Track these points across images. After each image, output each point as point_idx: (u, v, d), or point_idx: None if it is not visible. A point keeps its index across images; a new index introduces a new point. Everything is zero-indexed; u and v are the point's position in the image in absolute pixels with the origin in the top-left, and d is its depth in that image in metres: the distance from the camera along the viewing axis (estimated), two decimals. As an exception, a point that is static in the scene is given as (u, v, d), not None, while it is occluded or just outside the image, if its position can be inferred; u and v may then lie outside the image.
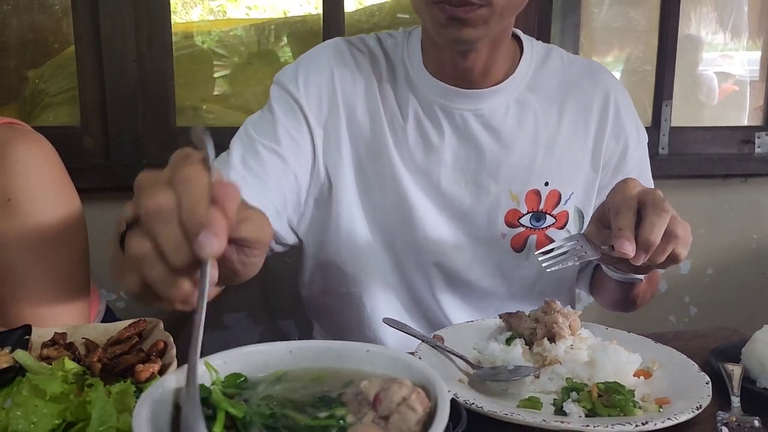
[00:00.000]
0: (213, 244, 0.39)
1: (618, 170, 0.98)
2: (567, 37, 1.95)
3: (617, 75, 2.14)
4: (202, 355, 0.41)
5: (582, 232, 0.80)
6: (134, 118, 1.36)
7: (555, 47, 1.02)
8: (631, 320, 1.61)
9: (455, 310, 0.98)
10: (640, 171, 1.00)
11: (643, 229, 0.67)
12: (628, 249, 0.66)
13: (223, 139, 1.39)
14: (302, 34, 1.65)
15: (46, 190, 0.87)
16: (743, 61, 2.80)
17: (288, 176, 0.92)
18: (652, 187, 1.00)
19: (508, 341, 0.73)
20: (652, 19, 1.78)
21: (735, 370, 0.69)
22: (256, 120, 0.95)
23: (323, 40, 1.47)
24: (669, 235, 0.67)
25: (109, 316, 0.99)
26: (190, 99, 1.49)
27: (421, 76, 0.94)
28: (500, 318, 0.78)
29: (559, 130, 0.96)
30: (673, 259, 0.71)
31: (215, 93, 1.54)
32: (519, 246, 0.97)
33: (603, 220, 0.74)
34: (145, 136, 1.39)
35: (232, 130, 1.47)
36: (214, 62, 1.56)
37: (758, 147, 1.80)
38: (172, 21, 1.43)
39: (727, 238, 1.73)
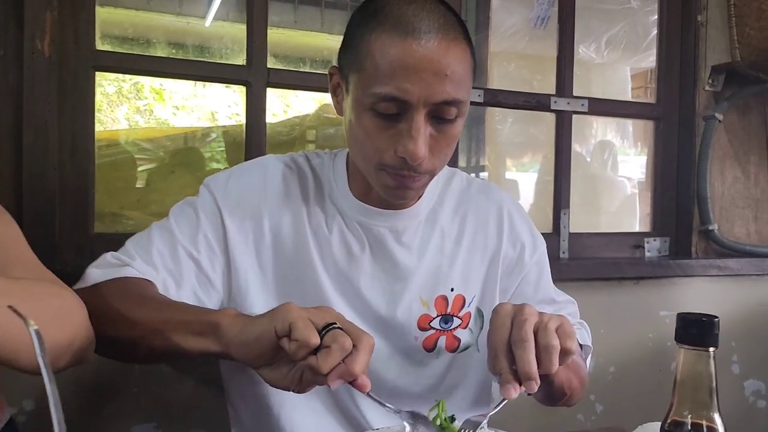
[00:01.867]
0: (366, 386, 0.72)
1: (517, 273, 1.11)
2: (474, 151, 2.13)
3: (521, 185, 2.33)
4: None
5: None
6: (51, 225, 1.36)
7: (457, 171, 1.17)
8: (543, 419, 1.68)
9: (370, 408, 1.03)
10: (540, 272, 1.13)
11: (519, 366, 0.76)
12: (512, 393, 0.76)
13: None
14: (226, 144, 1.73)
15: None
16: (636, 166, 3.08)
17: (202, 281, 0.99)
18: (549, 286, 1.14)
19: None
20: (549, 135, 1.96)
21: (612, 469, 0.76)
22: (180, 215, 1.02)
23: (246, 151, 1.58)
24: (546, 349, 0.76)
25: (10, 428, 0.96)
26: (110, 205, 1.51)
27: (345, 196, 1.05)
28: None
29: (461, 242, 1.09)
30: (565, 356, 0.79)
31: (136, 199, 1.57)
32: (430, 347, 1.06)
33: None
34: (60, 243, 1.39)
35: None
36: (137, 169, 1.60)
37: (648, 251, 1.98)
38: (96, 129, 1.47)
39: (626, 337, 1.86)
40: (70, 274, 1.34)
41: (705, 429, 0.61)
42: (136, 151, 1.61)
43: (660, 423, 0.64)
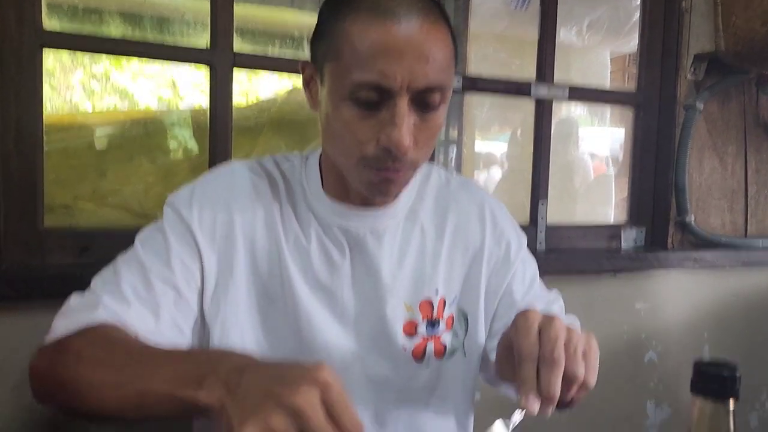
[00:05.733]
0: None
1: (505, 271, 1.06)
2: (450, 134, 2.06)
3: (496, 171, 2.28)
4: None
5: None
6: (-6, 220, 1.25)
7: (434, 166, 1.11)
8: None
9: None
10: (525, 268, 1.09)
11: (542, 385, 0.70)
12: (534, 407, 0.70)
13: (93, 240, 1.32)
14: (189, 129, 1.61)
15: None
16: (610, 140, 3.03)
17: (181, 306, 0.91)
18: (536, 281, 1.09)
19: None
20: (527, 122, 1.90)
21: None
22: (148, 243, 0.93)
23: (210, 138, 1.47)
24: (570, 380, 0.71)
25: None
26: (62, 197, 1.40)
27: (320, 199, 0.97)
28: None
29: (442, 240, 1.03)
30: (584, 388, 0.74)
31: (91, 189, 1.46)
32: (419, 356, 1.00)
33: (510, 348, 0.76)
34: (6, 239, 1.27)
35: (104, 231, 1.39)
36: (92, 156, 1.48)
37: (624, 242, 1.95)
38: (46, 112, 1.35)
39: (602, 330, 1.83)
40: (17, 275, 1.25)
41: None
42: (90, 136, 1.49)
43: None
